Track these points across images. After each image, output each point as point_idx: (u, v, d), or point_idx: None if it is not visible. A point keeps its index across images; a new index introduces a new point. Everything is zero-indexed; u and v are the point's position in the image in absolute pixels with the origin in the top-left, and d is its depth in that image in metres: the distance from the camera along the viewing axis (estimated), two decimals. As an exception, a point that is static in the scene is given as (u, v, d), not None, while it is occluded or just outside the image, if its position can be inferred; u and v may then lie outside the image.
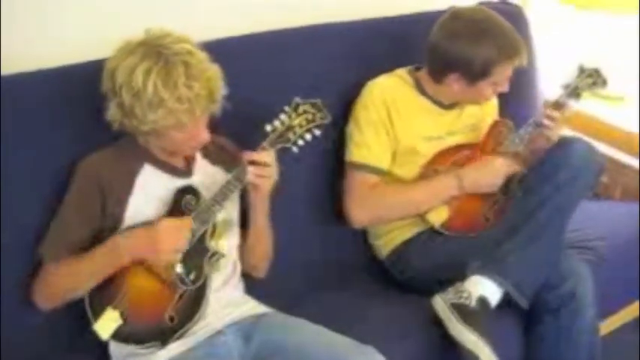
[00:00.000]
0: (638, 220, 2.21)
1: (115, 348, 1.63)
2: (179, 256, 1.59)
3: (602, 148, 2.38)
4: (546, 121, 1.99)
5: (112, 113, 1.58)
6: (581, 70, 2.09)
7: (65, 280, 1.59)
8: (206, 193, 1.65)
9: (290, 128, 1.67)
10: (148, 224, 1.59)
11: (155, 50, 1.52)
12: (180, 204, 1.63)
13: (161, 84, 1.50)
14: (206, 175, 1.71)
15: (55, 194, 1.64)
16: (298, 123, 1.68)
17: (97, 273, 1.58)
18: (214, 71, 1.57)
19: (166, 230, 1.56)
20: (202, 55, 1.57)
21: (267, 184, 1.66)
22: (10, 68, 1.69)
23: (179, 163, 1.69)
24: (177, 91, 1.50)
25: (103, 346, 1.63)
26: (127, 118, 1.56)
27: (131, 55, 1.52)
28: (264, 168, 1.64)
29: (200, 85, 1.52)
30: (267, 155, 1.65)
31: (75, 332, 1.66)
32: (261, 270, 1.83)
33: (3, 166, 1.62)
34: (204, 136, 1.62)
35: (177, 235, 1.58)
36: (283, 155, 1.68)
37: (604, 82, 2.09)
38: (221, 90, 1.58)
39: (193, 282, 1.61)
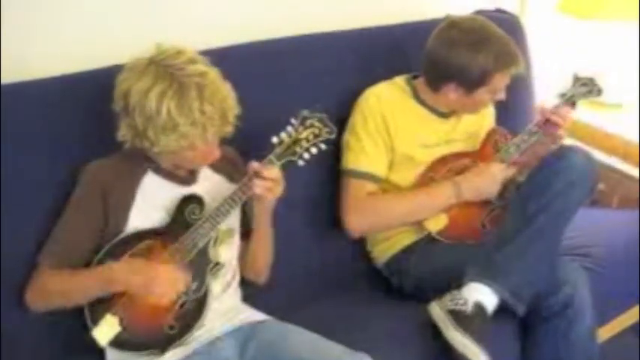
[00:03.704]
0: (638, 227, 2.21)
1: (112, 354, 1.63)
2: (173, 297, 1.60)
3: (601, 156, 2.40)
4: (555, 118, 1.99)
5: (124, 134, 1.58)
6: (576, 79, 2.09)
7: (56, 291, 1.59)
8: (209, 202, 1.65)
9: (297, 142, 1.66)
10: (149, 239, 1.60)
11: (167, 71, 1.51)
12: (184, 212, 1.64)
13: (175, 108, 1.50)
14: (209, 184, 1.72)
15: (55, 201, 1.65)
16: (305, 137, 1.66)
17: (87, 294, 1.58)
18: (227, 91, 1.57)
19: (164, 280, 1.55)
20: (215, 74, 1.56)
21: (272, 197, 1.66)
22: (10, 77, 1.70)
23: (182, 171, 1.69)
24: (191, 115, 1.50)
25: (101, 351, 1.63)
26: (138, 138, 1.56)
27: (144, 76, 1.52)
28: (270, 181, 1.63)
29: (214, 109, 1.52)
30: (273, 171, 1.64)
31: (74, 336, 1.66)
32: (262, 276, 1.84)
33: (3, 173, 1.63)
34: (216, 154, 1.63)
35: (173, 286, 1.57)
36: (288, 168, 1.68)
37: (599, 91, 2.09)
38: (234, 110, 1.57)
39: (195, 292, 1.62)
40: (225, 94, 1.56)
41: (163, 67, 1.52)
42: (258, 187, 1.63)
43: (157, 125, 1.51)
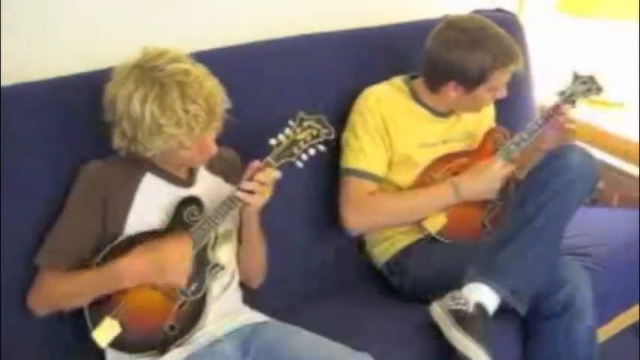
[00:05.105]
0: (638, 226, 2.21)
1: (112, 355, 1.62)
2: (186, 277, 1.60)
3: (601, 155, 2.39)
4: (555, 116, 2.00)
5: (117, 142, 1.59)
6: (576, 77, 2.09)
7: (59, 293, 1.59)
8: (207, 203, 1.65)
9: (295, 143, 1.66)
10: (149, 241, 1.59)
11: (149, 74, 1.52)
12: (183, 214, 1.64)
13: (158, 111, 1.50)
14: (207, 185, 1.72)
15: (55, 202, 1.65)
16: (303, 138, 1.67)
17: (91, 293, 1.58)
18: (213, 87, 1.56)
19: (172, 256, 1.56)
20: (200, 72, 1.56)
21: (257, 202, 1.65)
22: (10, 78, 1.70)
23: (181, 172, 1.70)
24: (174, 115, 1.50)
25: (101, 352, 1.63)
26: (132, 144, 1.57)
27: (127, 82, 1.52)
28: (258, 185, 1.63)
29: (198, 106, 1.52)
30: (266, 175, 1.64)
31: (74, 338, 1.66)
32: (255, 281, 1.84)
33: (3, 173, 1.62)
34: (212, 149, 1.62)
35: (183, 259, 1.58)
36: (286, 169, 1.68)
37: (598, 89, 2.09)
38: (222, 105, 1.57)
39: (194, 293, 1.62)
40: (210, 90, 1.55)
41: (145, 71, 1.52)
42: (240, 192, 1.62)
43: (143, 129, 1.52)
